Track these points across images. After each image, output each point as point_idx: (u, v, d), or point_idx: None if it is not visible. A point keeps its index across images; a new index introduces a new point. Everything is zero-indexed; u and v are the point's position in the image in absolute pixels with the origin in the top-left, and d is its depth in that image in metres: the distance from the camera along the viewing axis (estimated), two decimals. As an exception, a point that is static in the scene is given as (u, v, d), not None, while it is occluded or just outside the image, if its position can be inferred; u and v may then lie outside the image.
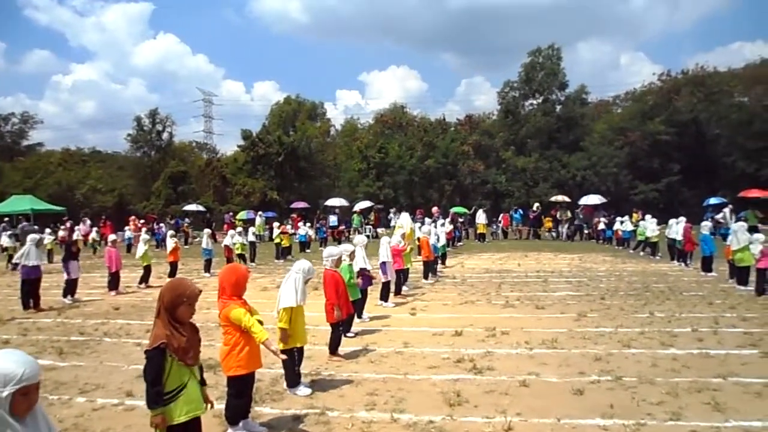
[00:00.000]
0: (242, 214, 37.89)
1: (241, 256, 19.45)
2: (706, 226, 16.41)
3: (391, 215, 33.85)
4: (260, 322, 5.00)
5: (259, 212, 34.21)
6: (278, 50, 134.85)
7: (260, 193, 45.85)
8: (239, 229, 21.53)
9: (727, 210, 27.11)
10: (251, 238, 21.97)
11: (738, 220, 25.54)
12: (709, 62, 48.94)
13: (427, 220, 23.66)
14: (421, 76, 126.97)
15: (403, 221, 16.81)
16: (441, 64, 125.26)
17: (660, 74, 49.21)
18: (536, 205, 34.19)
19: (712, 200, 31.50)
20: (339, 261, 8.28)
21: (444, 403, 5.86)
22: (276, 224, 24.39)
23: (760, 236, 13.12)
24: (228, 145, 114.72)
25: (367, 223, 33.47)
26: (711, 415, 5.38)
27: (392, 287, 12.25)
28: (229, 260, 18.19)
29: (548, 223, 32.76)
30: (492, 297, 12.63)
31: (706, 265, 15.70)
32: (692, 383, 6.29)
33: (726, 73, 47.16)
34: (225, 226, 31.80)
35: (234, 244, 19.20)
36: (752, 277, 12.70)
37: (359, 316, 9.96)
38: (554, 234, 31.83)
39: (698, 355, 7.55)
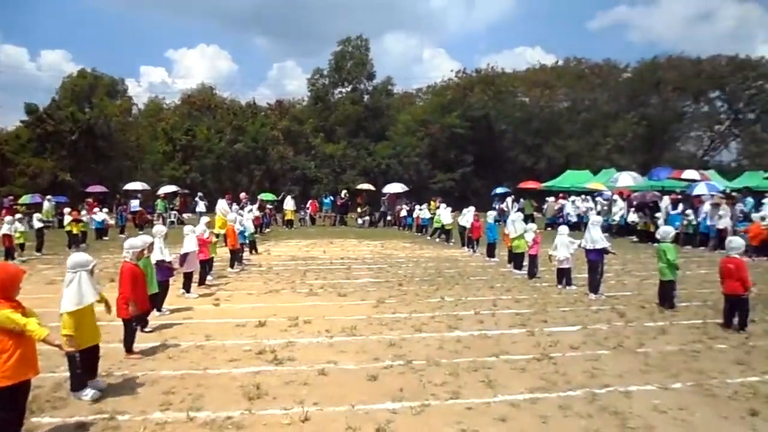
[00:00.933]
0: (26, 198, 33.84)
1: (21, 246, 17.50)
2: (491, 214, 18.20)
3: (197, 200, 32.60)
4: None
5: (48, 196, 30.85)
6: (71, 15, 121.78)
7: (50, 174, 41.28)
8: (19, 215, 19.26)
9: (509, 199, 30.19)
10: (38, 225, 19.82)
11: (519, 210, 28.69)
12: (498, 63, 54.10)
13: (234, 206, 23.16)
14: (232, 57, 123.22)
15: (219, 207, 16.29)
16: (253, 46, 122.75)
17: (457, 71, 53.30)
18: (344, 192, 35.16)
19: (498, 190, 34.85)
20: (141, 253, 7.88)
21: (243, 397, 5.90)
22: (67, 210, 22.21)
23: (532, 225, 14.88)
24: (7, 120, 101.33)
25: (172, 209, 31.87)
26: (484, 391, 6.07)
27: (196, 277, 11.92)
28: (9, 251, 16.29)
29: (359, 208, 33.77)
30: (297, 285, 12.82)
31: (490, 251, 17.44)
32: (471, 363, 7.02)
33: (511, 74, 52.45)
34: (3, 211, 28.24)
35: (15, 231, 17.18)
36: (526, 262, 14.36)
37: (158, 310, 9.56)
38: (361, 221, 33.02)
39: (478, 336, 8.41)
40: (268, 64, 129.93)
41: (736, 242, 9.15)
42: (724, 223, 18.56)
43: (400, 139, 47.44)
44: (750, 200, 19.94)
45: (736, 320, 8.70)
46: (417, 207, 28.85)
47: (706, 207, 19.60)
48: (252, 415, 5.47)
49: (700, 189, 21.68)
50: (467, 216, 20.15)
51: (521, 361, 7.10)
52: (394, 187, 34.85)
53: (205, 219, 14.16)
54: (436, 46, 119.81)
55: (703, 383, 6.29)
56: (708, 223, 19.36)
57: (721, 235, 18.62)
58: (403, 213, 30.29)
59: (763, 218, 16.85)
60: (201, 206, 30.98)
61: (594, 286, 11.41)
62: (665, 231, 10.65)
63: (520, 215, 15.95)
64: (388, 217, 32.95)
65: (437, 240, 23.52)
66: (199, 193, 33.83)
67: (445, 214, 22.95)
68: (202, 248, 12.18)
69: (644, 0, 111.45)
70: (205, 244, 12.47)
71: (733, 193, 22.24)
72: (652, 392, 6.03)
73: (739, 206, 19.09)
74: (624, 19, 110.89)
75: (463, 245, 20.71)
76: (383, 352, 7.52)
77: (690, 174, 24.76)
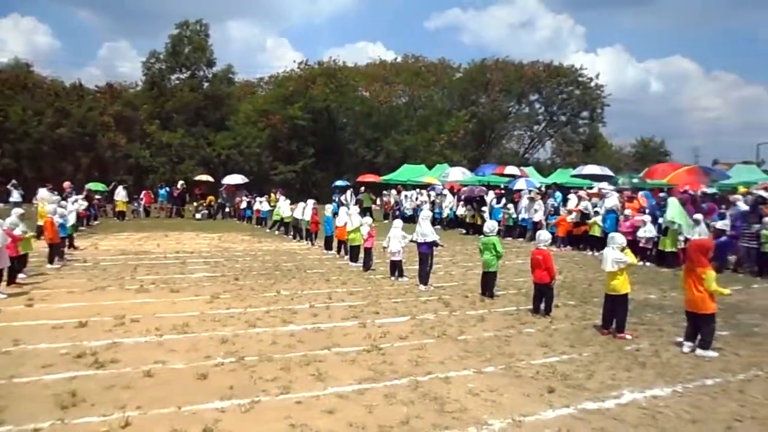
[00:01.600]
0: None
1: None
2: (329, 207, 18.46)
3: (10, 189, 29.39)
4: None
5: None
6: None
7: None
8: None
9: (349, 192, 30.73)
10: None
11: (357, 202, 29.34)
12: (340, 57, 54.68)
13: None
14: (53, 31, 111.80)
15: (41, 197, 14.70)
16: (78, 21, 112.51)
17: (300, 63, 53.03)
18: (180, 182, 33.68)
19: (339, 183, 35.36)
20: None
21: (56, 405, 5.48)
22: None
23: (368, 219, 15.37)
24: None
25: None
26: (315, 384, 6.21)
27: (5, 275, 10.83)
28: None
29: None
30: (126, 281, 12.14)
31: (328, 244, 17.74)
32: (303, 357, 7.14)
33: (353, 68, 53.36)
34: None
35: None
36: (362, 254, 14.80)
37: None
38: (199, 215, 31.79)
39: (312, 329, 8.56)
40: (96, 42, 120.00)
41: (543, 235, 10.17)
42: (539, 216, 20.49)
43: (240, 129, 46.35)
44: (558, 195, 22.18)
45: (543, 306, 9.69)
46: (257, 199, 28.47)
47: (524, 201, 21.48)
48: (64, 425, 5.10)
49: (519, 184, 23.70)
50: (307, 209, 20.27)
51: (352, 353, 7.36)
52: (234, 179, 34.01)
53: (18, 210, 12.87)
54: (280, 35, 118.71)
55: (512, 365, 6.95)
56: (525, 216, 21.25)
57: (537, 227, 20.55)
58: (243, 205, 29.74)
59: (569, 212, 18.83)
60: (15, 195, 28.04)
61: (424, 277, 12.06)
62: (492, 225, 11.55)
63: (356, 209, 16.37)
64: (227, 209, 32.17)
65: (276, 233, 23.42)
66: (13, 181, 30.55)
67: (284, 207, 22.90)
68: (11, 243, 11.08)
69: (475, 5, 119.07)
70: (15, 239, 11.36)
71: (546, 189, 24.59)
72: (469, 377, 6.56)
73: (550, 201, 21.16)
74: (457, 21, 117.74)
75: (302, 238, 20.83)
76: (215, 350, 7.39)
77: (511, 170, 26.95)
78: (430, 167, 36.36)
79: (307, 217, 19.92)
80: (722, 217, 14.61)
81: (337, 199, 30.58)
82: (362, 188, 31.52)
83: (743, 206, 14.62)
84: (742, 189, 19.94)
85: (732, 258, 14.50)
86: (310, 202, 20.47)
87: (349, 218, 15.41)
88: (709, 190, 17.17)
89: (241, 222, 29.43)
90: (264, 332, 8.34)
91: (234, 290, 11.47)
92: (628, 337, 8.15)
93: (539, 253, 9.74)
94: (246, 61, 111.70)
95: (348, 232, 15.28)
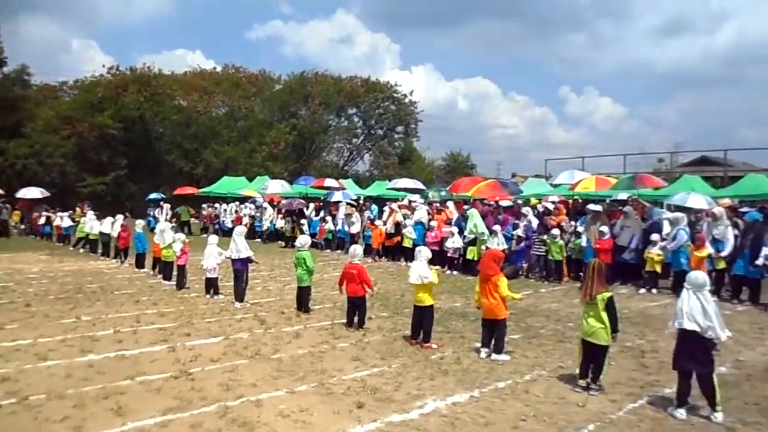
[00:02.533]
0: None
1: None
2: (140, 224, 17.34)
3: None
4: None
5: None
6: None
7: None
8: None
9: (166, 207, 29.07)
10: None
11: (174, 216, 27.97)
12: (156, 64, 51.81)
13: None
14: None
15: None
16: None
17: (110, 67, 49.16)
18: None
19: (153, 196, 33.43)
20: None
21: None
22: None
23: (181, 235, 14.71)
24: None
25: None
26: (112, 421, 5.73)
27: None
28: None
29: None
30: None
31: (139, 262, 16.65)
32: (101, 390, 6.57)
33: (169, 76, 50.78)
34: None
35: None
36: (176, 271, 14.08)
37: None
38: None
39: (114, 358, 7.94)
40: None
41: (357, 250, 10.37)
42: (356, 228, 21.05)
43: (39, 137, 41.80)
44: (374, 207, 22.99)
45: (356, 319, 9.92)
46: (58, 214, 25.91)
47: (341, 214, 21.96)
48: None
49: (336, 197, 24.17)
50: (115, 224, 18.89)
51: (158, 381, 6.93)
52: (32, 192, 30.64)
53: None
54: (87, 37, 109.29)
55: (324, 382, 7.00)
56: (344, 228, 21.70)
57: (354, 239, 21.11)
58: (42, 221, 26.87)
59: (384, 223, 19.55)
60: None
61: (239, 294, 11.78)
62: (303, 240, 11.61)
63: (169, 225, 15.56)
64: (23, 226, 28.93)
65: (81, 251, 21.50)
66: None
67: (91, 222, 21.11)
68: None
69: (296, 18, 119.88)
70: None
71: (363, 201, 25.37)
72: (281, 397, 6.49)
73: (367, 213, 21.83)
74: (278, 33, 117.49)
75: (113, 256, 19.37)
76: (-7, 391, 6.55)
77: (330, 182, 27.40)
78: (251, 179, 35.72)
79: (115, 233, 18.55)
80: (516, 227, 16.11)
81: (151, 213, 28.91)
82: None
83: (533, 218, 16.24)
84: (533, 201, 22.22)
85: (524, 265, 16.00)
86: (119, 217, 19.10)
87: (161, 234, 14.60)
88: (504, 203, 18.81)
89: (39, 240, 26.58)
90: (56, 365, 7.55)
91: (24, 318, 10.31)
92: (434, 346, 8.62)
93: (353, 267, 9.94)
94: (45, 62, 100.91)
95: (161, 248, 14.47)
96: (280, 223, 24.78)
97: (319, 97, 49.20)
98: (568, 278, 14.87)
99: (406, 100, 53.45)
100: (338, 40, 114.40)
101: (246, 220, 26.99)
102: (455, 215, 17.81)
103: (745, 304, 12.08)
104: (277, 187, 28.44)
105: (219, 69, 54.06)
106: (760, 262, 11.76)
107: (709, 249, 12.40)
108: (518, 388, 6.82)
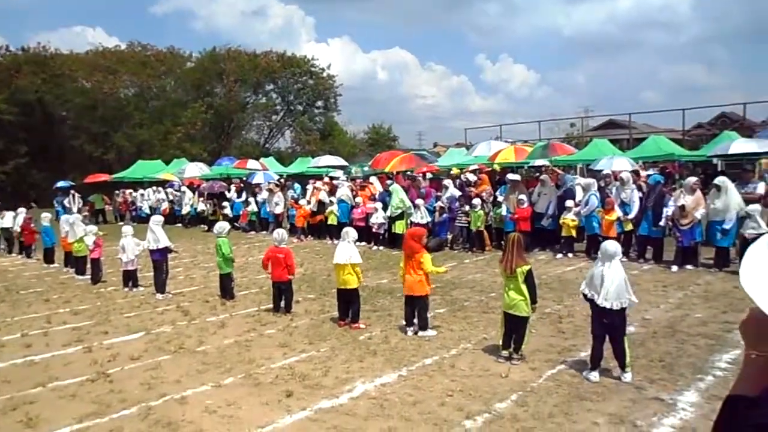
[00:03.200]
0: None
1: None
2: (46, 217, 16.40)
3: None
4: None
5: None
6: None
7: None
8: None
9: (73, 195, 27.56)
10: None
11: (86, 204, 26.62)
12: (51, 43, 48.68)
13: None
14: None
15: None
16: None
17: (-1, 48, 45.82)
18: None
19: (61, 184, 31.69)
20: None
21: None
22: None
23: (92, 227, 14.07)
24: None
25: None
26: (24, 434, 5.44)
27: None
28: None
29: None
30: None
31: (48, 257, 15.79)
32: (9, 401, 6.19)
33: (69, 55, 47.86)
34: None
35: None
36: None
37: None
38: None
39: (23, 364, 7.49)
40: None
41: (281, 234, 10.08)
42: (280, 209, 20.73)
43: None
44: (298, 186, 22.72)
45: (283, 304, 9.80)
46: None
47: (264, 194, 21.55)
48: None
49: (258, 178, 23.70)
50: (18, 218, 17.80)
51: (72, 386, 6.60)
52: None
53: None
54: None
55: (252, 372, 6.88)
56: (267, 209, 21.32)
57: (279, 219, 20.83)
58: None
59: (308, 202, 19.35)
60: None
61: (160, 285, 11.38)
62: (221, 226, 11.28)
63: (69, 218, 14.71)
64: None
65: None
66: None
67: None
68: None
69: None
70: None
71: (285, 180, 24.97)
72: (207, 392, 6.33)
73: (290, 192, 21.52)
74: (186, 7, 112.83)
75: (11, 253, 18.29)
76: None
77: (252, 164, 26.80)
78: (167, 162, 34.42)
79: (18, 227, 17.48)
80: (438, 200, 16.33)
81: (60, 202, 27.36)
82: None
83: (454, 189, 16.49)
84: (455, 171, 22.57)
85: (449, 237, 16.27)
86: (21, 210, 17.97)
87: (71, 228, 13.87)
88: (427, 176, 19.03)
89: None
90: (-46, 379, 7.06)
91: None
92: (362, 326, 8.65)
93: (279, 251, 9.76)
94: None
95: (71, 242, 13.76)
96: (201, 207, 24.08)
97: (234, 74, 47.77)
98: (490, 247, 15.22)
99: (324, 75, 52.80)
100: (251, 13, 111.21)
101: (165, 205, 26.08)
102: (379, 190, 17.85)
103: (650, 263, 12.76)
104: (195, 169, 27.62)
105: (123, 47, 51.37)
106: (662, 222, 12.42)
107: (617, 212, 13.00)
108: (445, 363, 6.94)
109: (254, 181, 23.47)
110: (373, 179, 19.41)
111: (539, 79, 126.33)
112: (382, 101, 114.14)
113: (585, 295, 6.20)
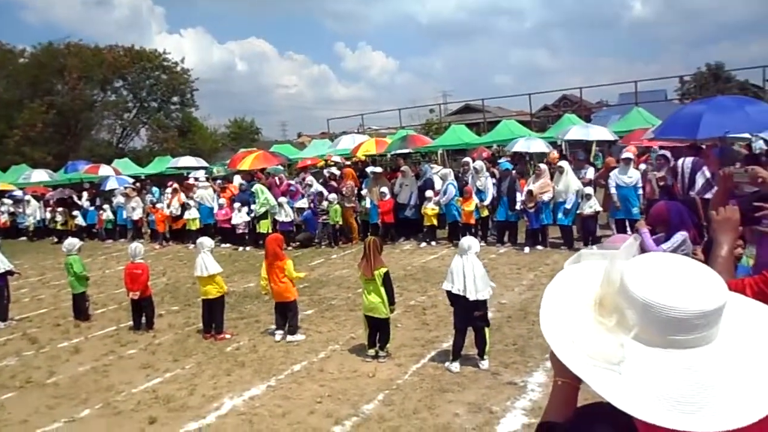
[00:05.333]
0: None
1: None
2: None
3: None
4: None
5: None
6: None
7: None
8: None
9: None
10: None
11: None
12: None
13: None
14: None
15: None
16: None
17: None
18: None
19: None
20: None
21: None
22: None
23: None
24: None
25: None
26: None
27: None
28: None
29: None
30: None
31: None
32: None
33: None
34: None
35: None
36: None
37: None
38: None
39: None
40: None
41: (137, 249, 9.55)
42: (138, 214, 19.63)
43: None
44: (156, 189, 21.64)
45: (144, 320, 9.34)
46: None
47: (120, 199, 20.32)
48: None
49: (111, 183, 22.33)
50: None
51: None
52: None
53: None
54: None
55: (110, 401, 6.51)
56: (124, 215, 20.11)
57: (138, 225, 19.80)
58: None
59: (168, 205, 18.48)
60: None
61: (1, 313, 10.39)
62: (70, 243, 10.46)
63: None
64: None
65: None
66: None
67: None
68: None
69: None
70: None
71: (142, 183, 23.61)
72: (60, 430, 5.93)
73: (148, 196, 20.41)
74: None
75: None
76: None
77: (105, 170, 25.17)
78: (4, 170, 31.32)
79: None
80: (303, 196, 16.29)
81: None
82: None
83: (317, 185, 16.51)
84: (320, 163, 22.63)
85: (317, 233, 16.28)
86: None
87: None
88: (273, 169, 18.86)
89: None
90: None
91: None
92: (228, 336, 8.47)
93: (137, 267, 9.28)
94: None
95: None
96: (48, 216, 22.21)
97: (77, 70, 44.02)
98: (357, 240, 15.43)
99: (179, 69, 50.24)
100: (94, 3, 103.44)
101: (5, 218, 23.77)
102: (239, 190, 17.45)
103: (506, 246, 13.62)
104: (43, 175, 25.63)
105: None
106: (519, 206, 13.25)
107: (474, 200, 13.71)
108: (313, 368, 6.99)
109: (107, 188, 22.04)
110: (236, 178, 18.93)
111: (399, 66, 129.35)
112: (244, 93, 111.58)
113: (449, 292, 6.43)
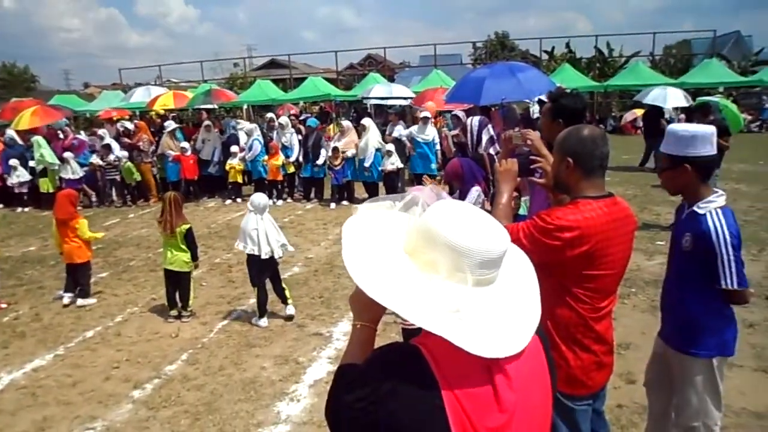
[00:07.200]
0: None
1: None
2: None
3: None
4: None
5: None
6: None
7: None
8: None
9: None
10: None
11: None
12: None
13: None
14: None
15: None
16: None
17: None
18: None
19: None
20: None
21: None
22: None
23: None
24: None
25: None
26: None
27: None
28: None
29: None
30: None
31: None
32: None
33: None
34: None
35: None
36: None
37: None
38: None
39: None
40: None
41: None
42: None
43: None
44: None
45: None
46: None
47: None
48: None
49: None
50: None
51: None
52: None
53: None
54: None
55: None
56: None
57: None
58: None
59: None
60: None
61: None
62: None
63: None
64: None
65: None
66: None
67: None
68: None
69: None
70: None
71: None
72: None
73: None
74: None
75: None
76: None
77: None
78: None
79: None
80: (89, 150, 14.90)
81: None
82: None
83: (111, 140, 15.06)
84: (115, 116, 20.72)
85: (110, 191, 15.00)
86: None
87: None
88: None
89: None
90: None
91: None
92: (3, 305, 7.55)
93: None
94: None
95: None
96: None
97: None
98: (156, 199, 14.52)
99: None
100: None
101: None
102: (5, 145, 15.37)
103: (313, 202, 13.78)
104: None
105: None
106: (320, 161, 13.39)
107: (281, 156, 13.60)
108: (109, 333, 6.51)
109: None
110: (9, 133, 16.63)
111: (200, 15, 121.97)
112: (15, 35, 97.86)
113: (245, 251, 6.33)
